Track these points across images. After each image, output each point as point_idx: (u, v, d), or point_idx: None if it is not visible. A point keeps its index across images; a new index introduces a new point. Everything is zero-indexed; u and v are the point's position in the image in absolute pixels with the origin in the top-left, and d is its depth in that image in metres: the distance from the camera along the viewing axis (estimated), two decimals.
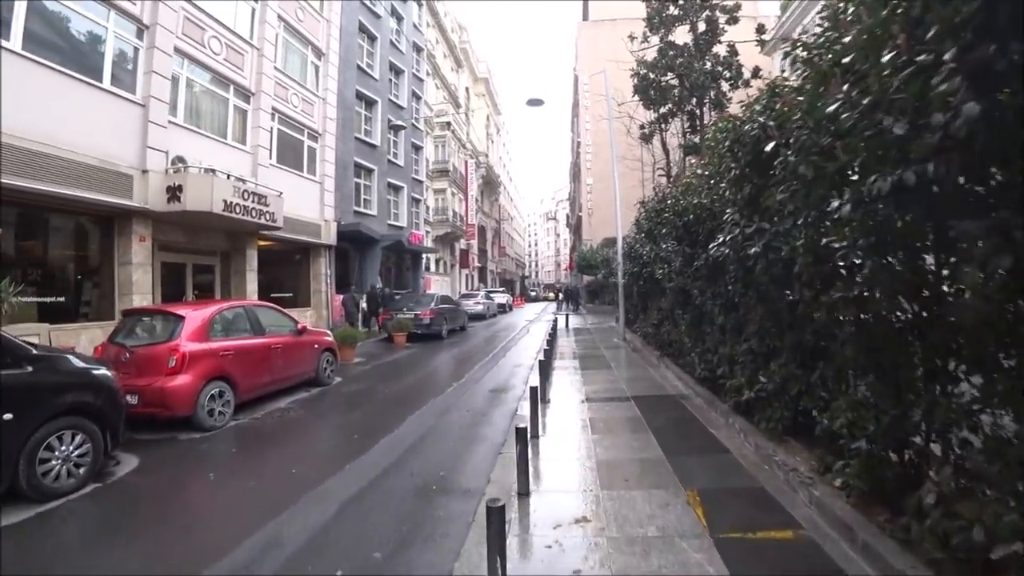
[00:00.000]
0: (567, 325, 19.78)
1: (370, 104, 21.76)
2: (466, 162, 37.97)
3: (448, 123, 31.99)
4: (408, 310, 16.14)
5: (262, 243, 15.95)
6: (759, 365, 4.96)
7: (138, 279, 10.91)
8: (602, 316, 26.22)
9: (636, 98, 17.99)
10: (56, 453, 4.58)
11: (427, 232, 29.95)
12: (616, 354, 11.89)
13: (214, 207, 11.21)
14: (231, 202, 11.68)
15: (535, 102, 15.21)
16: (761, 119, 3.88)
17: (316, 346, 8.91)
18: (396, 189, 24.57)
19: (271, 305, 8.51)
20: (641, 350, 11.94)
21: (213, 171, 12.24)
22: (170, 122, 11.69)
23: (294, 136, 16.73)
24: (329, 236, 17.67)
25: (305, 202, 16.77)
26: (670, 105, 16.79)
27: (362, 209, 20.71)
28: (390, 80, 24.03)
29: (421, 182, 28.00)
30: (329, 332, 9.75)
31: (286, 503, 4.26)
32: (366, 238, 19.73)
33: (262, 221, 12.74)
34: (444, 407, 7.42)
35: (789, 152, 3.26)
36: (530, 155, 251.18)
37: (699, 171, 6.30)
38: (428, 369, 11.04)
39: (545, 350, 9.11)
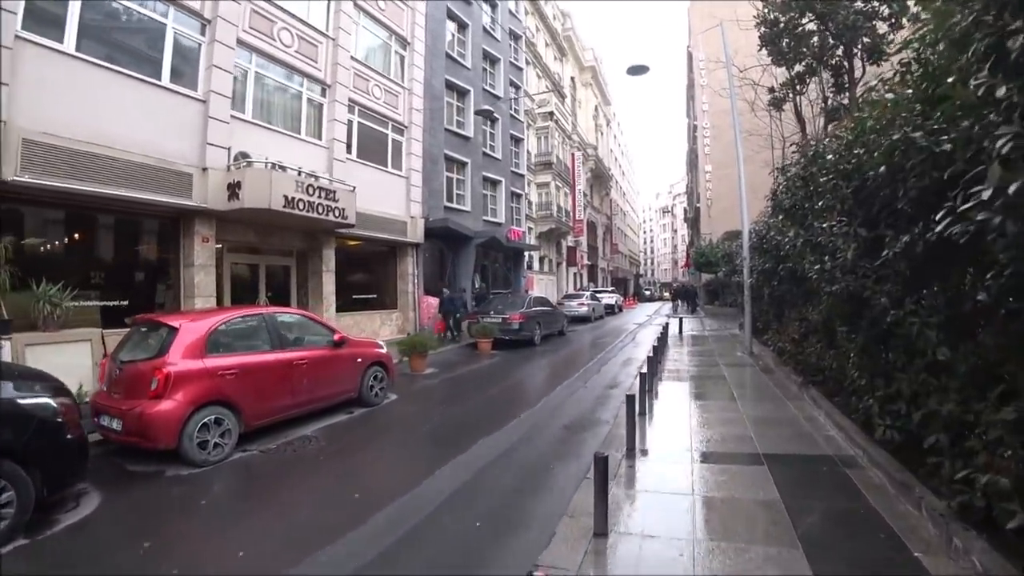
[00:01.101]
0: (680, 331, 16.98)
1: (462, 94, 20.49)
2: (572, 154, 35.85)
3: (551, 113, 30.08)
4: (496, 313, 14.47)
5: (350, 242, 15.28)
6: None
7: (200, 281, 10.32)
8: (723, 320, 22.78)
9: (762, 57, 14.73)
10: None
11: (529, 228, 28.29)
12: (740, 375, 9.20)
13: (272, 203, 10.32)
14: (293, 198, 10.76)
15: (638, 69, 12.74)
16: None
17: (359, 360, 7.44)
18: (493, 183, 23.15)
19: (301, 312, 7.17)
20: (774, 371, 9.15)
21: (281, 167, 11.49)
22: (234, 117, 11.05)
23: (376, 129, 15.81)
24: (416, 233, 16.57)
25: (389, 198, 15.80)
26: (808, 60, 13.18)
27: (454, 204, 19.47)
28: (484, 69, 22.65)
29: (522, 176, 26.39)
30: (380, 343, 8.28)
31: None
32: (457, 235, 18.45)
33: (330, 218, 11.73)
34: (495, 452, 5.53)
35: None
36: (645, 148, 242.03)
37: (889, 94, 3.75)
38: (501, 387, 9.20)
39: (642, 373, 6.87)
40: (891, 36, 12.04)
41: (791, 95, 14.31)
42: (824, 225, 4.47)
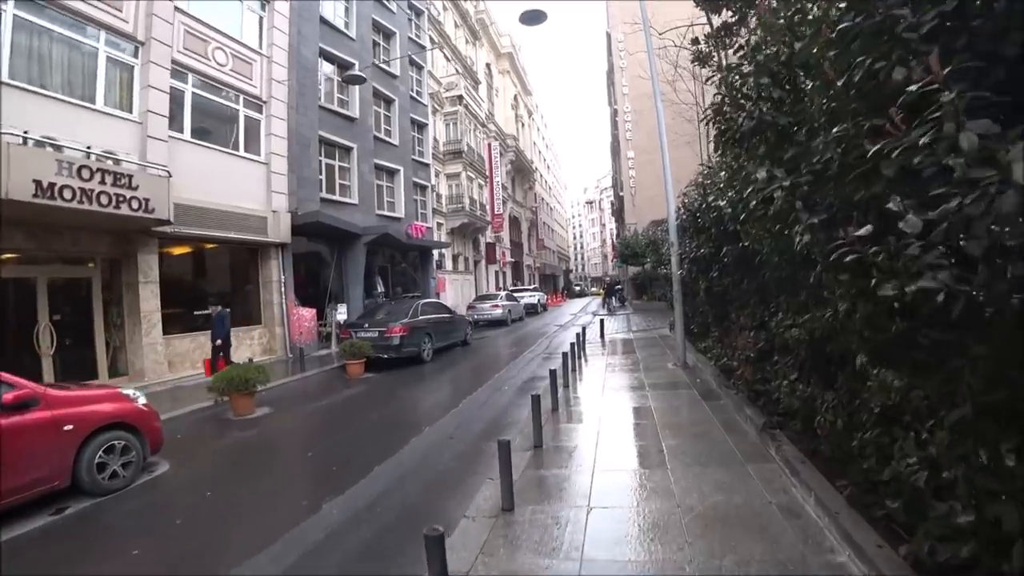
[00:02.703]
0: (602, 334, 14.93)
1: (344, 68, 17.51)
2: (489, 144, 33.45)
3: (460, 97, 27.47)
4: (372, 326, 11.71)
5: (207, 245, 12.43)
6: None
7: None
8: (651, 317, 21.00)
9: (680, 19, 12.94)
10: None
11: (439, 224, 25.66)
12: (674, 407, 6.83)
13: (11, 192, 7.26)
14: (53, 184, 7.72)
15: (534, 16, 10.41)
16: None
17: (67, 428, 4.66)
18: (390, 173, 20.37)
19: None
20: (718, 396, 7.01)
21: (54, 144, 8.49)
22: None
23: (221, 103, 12.77)
24: (280, 231, 13.60)
25: (242, 188, 12.78)
26: (740, 4, 11.24)
27: (336, 196, 16.58)
28: (375, 42, 19.82)
29: (427, 165, 23.69)
30: (127, 393, 5.47)
31: None
32: (339, 232, 15.56)
33: (122, 211, 8.72)
34: None
35: None
36: (572, 142, 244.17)
37: None
38: (334, 442, 6.54)
39: (499, 443, 4.47)
40: None
41: (720, 47, 12.31)
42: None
